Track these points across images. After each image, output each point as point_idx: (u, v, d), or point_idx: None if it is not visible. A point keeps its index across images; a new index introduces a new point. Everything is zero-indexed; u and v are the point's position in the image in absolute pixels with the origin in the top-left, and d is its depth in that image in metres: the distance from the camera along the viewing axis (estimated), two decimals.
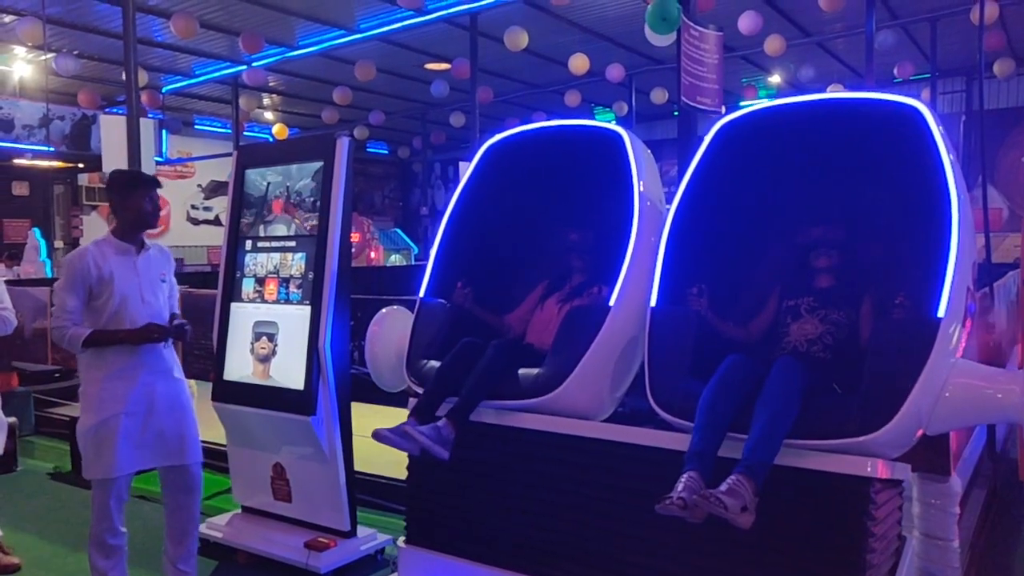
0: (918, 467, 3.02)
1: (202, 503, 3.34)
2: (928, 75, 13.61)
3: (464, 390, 2.80)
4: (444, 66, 14.23)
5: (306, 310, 3.60)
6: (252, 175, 3.93)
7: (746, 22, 10.83)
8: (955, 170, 2.36)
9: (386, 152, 24.22)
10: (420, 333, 3.15)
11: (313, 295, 3.58)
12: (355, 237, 16.00)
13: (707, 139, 2.96)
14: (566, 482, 2.73)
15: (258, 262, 3.83)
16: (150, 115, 15.67)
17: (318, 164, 3.67)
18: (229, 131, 17.11)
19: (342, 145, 3.59)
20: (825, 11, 10.24)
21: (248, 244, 3.88)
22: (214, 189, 20.38)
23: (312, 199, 3.68)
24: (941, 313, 2.19)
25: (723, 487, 2.11)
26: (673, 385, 2.55)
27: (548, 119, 3.16)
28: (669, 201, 3.01)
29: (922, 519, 3.05)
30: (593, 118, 19.30)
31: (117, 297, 3.04)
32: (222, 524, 3.89)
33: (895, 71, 13.55)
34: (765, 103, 2.98)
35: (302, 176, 3.76)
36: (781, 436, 2.23)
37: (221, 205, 19.27)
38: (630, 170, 2.99)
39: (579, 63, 12.64)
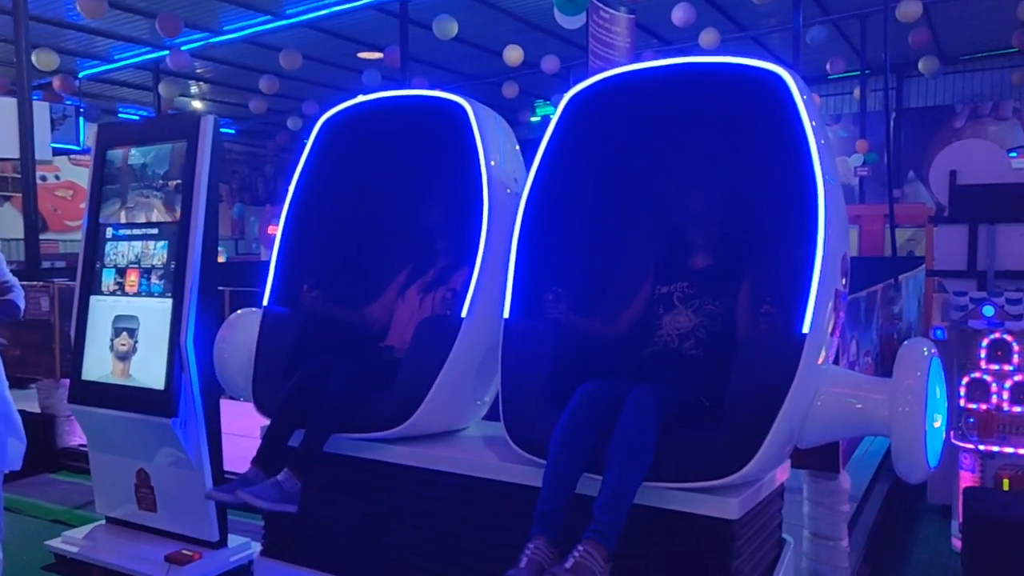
0: (807, 465, 2.90)
1: (70, 512, 3.04)
2: (859, 72, 13.82)
3: (308, 431, 2.56)
4: (376, 55, 13.87)
5: (168, 303, 3.31)
6: (114, 156, 3.60)
7: (680, 14, 10.74)
8: (823, 153, 2.16)
9: None
10: (266, 351, 2.84)
11: (175, 287, 3.29)
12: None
13: (556, 114, 2.63)
14: (419, 515, 2.53)
15: (119, 251, 3.52)
16: (68, 101, 14.99)
17: (182, 144, 3.37)
18: None
19: (207, 124, 3.30)
20: (757, 4, 10.23)
21: (109, 232, 3.56)
22: None
23: (176, 182, 3.38)
24: (806, 328, 2.01)
25: (569, 562, 1.90)
26: (528, 415, 2.33)
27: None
28: None
29: (811, 519, 2.93)
30: (534, 111, 19.13)
31: None
32: (79, 537, 3.57)
33: (827, 67, 13.69)
34: (619, 69, 2.71)
35: (165, 157, 3.46)
36: (633, 490, 2.05)
37: None
38: (476, 151, 2.67)
39: (514, 55, 12.42)
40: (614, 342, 2.72)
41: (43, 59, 12.09)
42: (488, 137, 2.67)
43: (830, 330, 2.14)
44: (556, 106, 2.82)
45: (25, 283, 3.61)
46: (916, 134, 16.34)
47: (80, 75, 15.47)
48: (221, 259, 12.98)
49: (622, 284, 2.81)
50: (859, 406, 2.07)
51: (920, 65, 13.18)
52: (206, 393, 3.31)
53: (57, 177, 16.38)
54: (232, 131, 20.58)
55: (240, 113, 18.93)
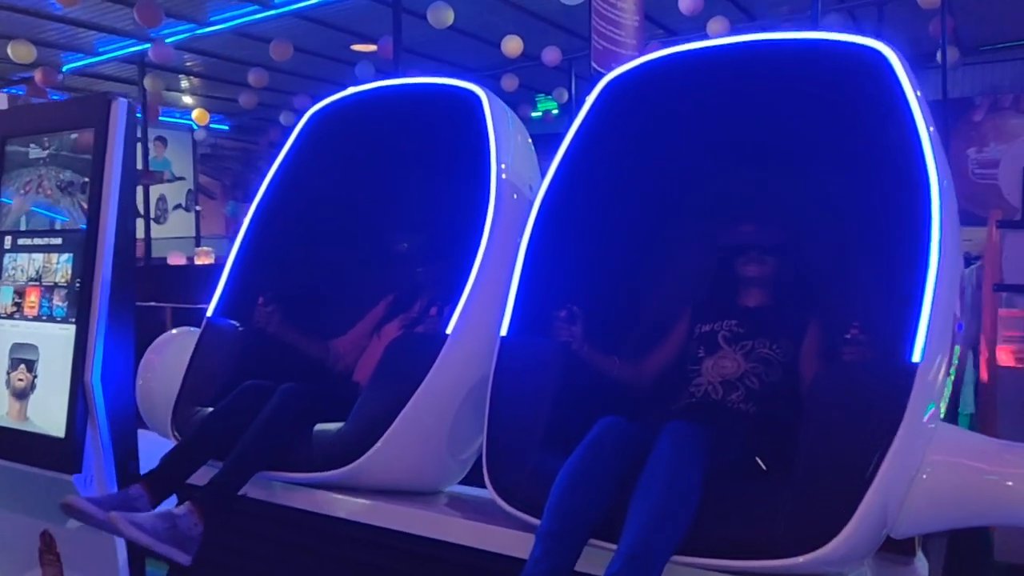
0: None
1: None
2: None
3: (227, 462, 1.94)
4: (371, 47, 13.31)
5: (71, 330, 2.69)
6: (15, 148, 2.99)
7: (687, 2, 10.16)
8: (935, 143, 1.58)
9: None
10: (198, 369, 2.31)
11: (80, 310, 2.67)
12: None
13: (587, 104, 2.18)
14: None
15: (18, 265, 2.90)
16: (52, 96, 14.44)
17: (89, 134, 2.75)
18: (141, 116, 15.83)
19: (119, 110, 2.68)
20: None
21: (8, 241, 2.95)
22: None
23: (83, 180, 2.76)
24: (917, 356, 1.41)
25: None
26: (518, 461, 1.74)
27: None
28: None
29: None
30: (535, 106, 18.52)
31: None
32: None
33: None
34: (668, 50, 2.16)
35: (70, 150, 2.84)
36: (663, 555, 1.42)
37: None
38: (488, 147, 2.23)
39: (513, 45, 11.90)
40: (638, 387, 2.12)
41: (19, 51, 11.60)
42: (503, 134, 2.14)
43: (944, 370, 1.52)
44: (557, 100, 2.29)
45: None
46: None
47: (64, 68, 14.89)
48: (209, 260, 12.37)
49: (653, 316, 2.30)
50: (1009, 484, 1.43)
51: (938, 56, 12.52)
52: (119, 441, 2.69)
53: None
54: (225, 127, 20.04)
55: (233, 108, 18.35)
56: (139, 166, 18.16)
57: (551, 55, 12.93)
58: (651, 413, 2.12)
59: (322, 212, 2.63)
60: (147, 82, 13.96)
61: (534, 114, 18.49)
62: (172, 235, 16.99)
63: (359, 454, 1.90)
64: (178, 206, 18.83)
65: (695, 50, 2.12)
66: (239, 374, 2.29)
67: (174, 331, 2.59)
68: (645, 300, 2.33)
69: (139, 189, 18.14)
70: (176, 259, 12.74)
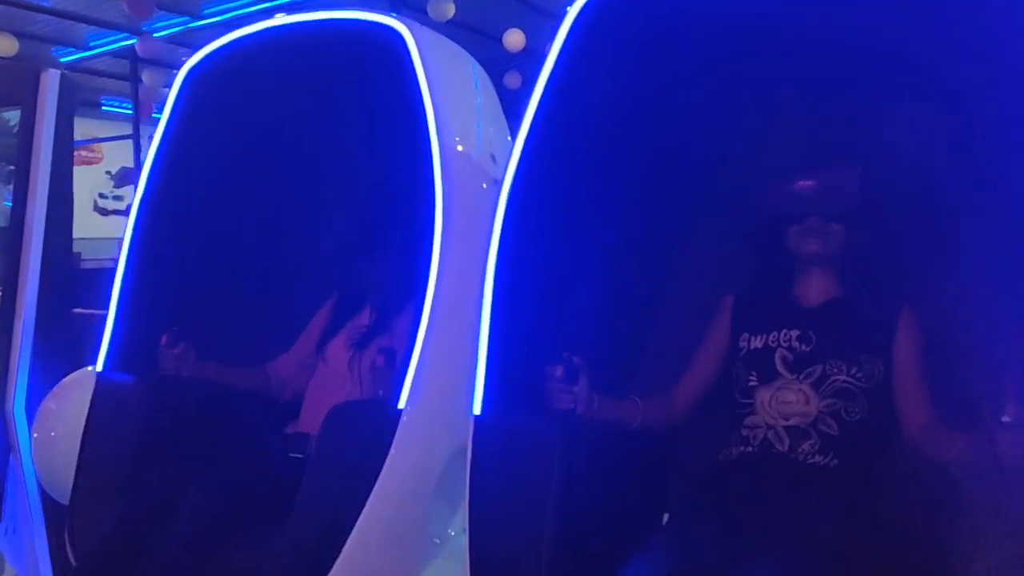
0: None
1: None
2: None
3: None
4: None
5: None
6: None
7: None
8: None
9: None
10: (93, 446, 1.83)
11: (1, 324, 2.22)
12: None
13: (561, 33, 1.61)
14: None
15: None
16: None
17: (14, 113, 2.31)
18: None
19: (49, 82, 2.24)
20: None
21: None
22: (124, 176, 18.71)
23: (9, 169, 2.32)
24: None
25: None
26: None
27: None
28: None
29: None
30: None
31: None
32: None
33: None
34: None
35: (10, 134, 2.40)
36: None
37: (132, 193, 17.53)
38: (423, 108, 1.69)
39: (515, 39, 11.50)
40: (671, 426, 1.67)
41: (2, 45, 11.15)
42: (442, 88, 1.63)
43: None
44: None
45: None
46: None
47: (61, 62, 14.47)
48: None
49: (671, 334, 1.75)
50: None
51: None
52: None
53: None
54: None
55: None
56: (130, 164, 17.77)
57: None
58: (682, 472, 1.68)
59: (226, 201, 2.08)
60: (145, 76, 13.50)
61: None
62: None
63: None
64: None
65: None
66: (151, 444, 1.81)
67: (75, 375, 2.08)
68: (662, 300, 1.80)
69: (127, 189, 17.75)
70: None
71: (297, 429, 1.98)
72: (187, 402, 1.97)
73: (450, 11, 10.68)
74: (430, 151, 1.58)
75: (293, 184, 2.16)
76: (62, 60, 14.36)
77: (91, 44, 13.88)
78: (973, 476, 1.24)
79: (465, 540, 1.41)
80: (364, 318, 2.00)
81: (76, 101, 2.33)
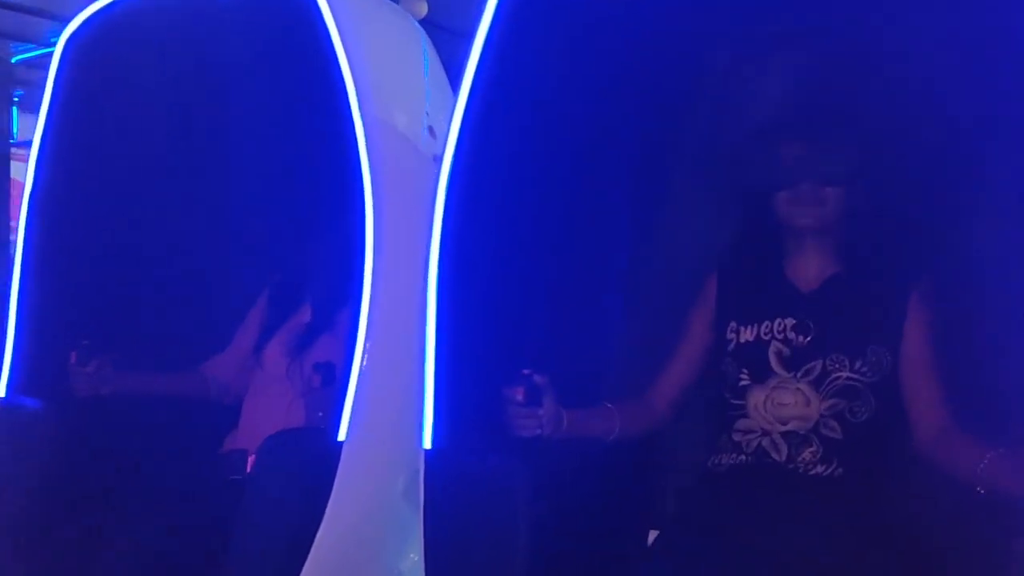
0: None
1: None
2: None
3: None
4: None
5: None
6: None
7: None
8: None
9: None
10: None
11: None
12: None
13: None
14: None
15: None
16: None
17: None
18: None
19: None
20: None
21: None
22: None
23: None
24: None
25: None
26: None
27: None
28: None
29: None
30: None
31: None
32: None
33: None
34: None
35: None
36: None
37: None
38: (340, 72, 1.46)
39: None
40: (638, 450, 1.48)
41: None
42: (360, 49, 1.42)
43: None
44: None
45: None
46: None
47: (12, 60, 14.03)
48: None
49: (647, 324, 1.55)
50: None
51: None
52: None
53: None
54: None
55: None
56: None
57: None
58: (665, 485, 1.50)
59: (133, 188, 1.82)
60: None
61: None
62: None
63: None
64: None
65: None
66: (65, 487, 1.55)
67: None
68: (633, 287, 1.56)
69: None
70: None
71: (235, 445, 1.77)
72: (108, 427, 1.71)
73: (423, 9, 10.47)
74: (352, 123, 1.33)
75: (211, 164, 1.90)
76: (21, 56, 13.93)
77: (52, 40, 13.36)
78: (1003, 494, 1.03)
79: None
80: (304, 315, 1.78)
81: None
